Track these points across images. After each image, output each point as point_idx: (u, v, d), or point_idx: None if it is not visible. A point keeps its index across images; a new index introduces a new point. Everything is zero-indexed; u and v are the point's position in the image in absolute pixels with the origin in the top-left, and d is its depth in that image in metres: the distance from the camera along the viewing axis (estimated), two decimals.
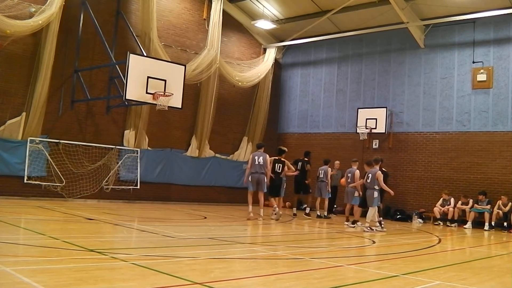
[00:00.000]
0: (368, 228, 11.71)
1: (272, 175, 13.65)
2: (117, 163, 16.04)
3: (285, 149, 14.58)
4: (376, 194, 11.90)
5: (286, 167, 14.17)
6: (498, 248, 11.09)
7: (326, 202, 15.52)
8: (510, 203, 14.94)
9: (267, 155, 13.24)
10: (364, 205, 12.60)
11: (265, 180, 12.96)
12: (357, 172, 13.66)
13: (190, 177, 18.21)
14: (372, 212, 11.87)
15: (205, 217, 13.12)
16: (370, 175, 12.09)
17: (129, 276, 5.06)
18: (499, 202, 15.05)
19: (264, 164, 12.97)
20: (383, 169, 13.76)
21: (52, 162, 14.51)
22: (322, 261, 6.93)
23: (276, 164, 13.87)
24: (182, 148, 18.16)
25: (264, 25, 19.39)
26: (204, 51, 17.97)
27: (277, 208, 13.66)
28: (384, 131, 18.34)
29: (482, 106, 16.60)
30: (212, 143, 18.88)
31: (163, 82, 13.99)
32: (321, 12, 18.96)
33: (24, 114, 14.06)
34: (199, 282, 4.75)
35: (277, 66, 21.60)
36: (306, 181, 15.44)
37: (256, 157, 13.07)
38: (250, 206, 12.97)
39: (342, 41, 20.15)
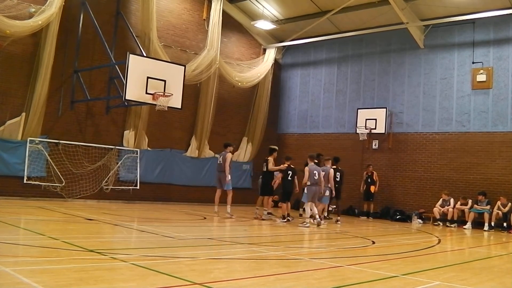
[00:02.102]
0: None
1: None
2: (117, 163, 16.04)
3: (274, 147, 14.30)
4: (306, 190, 12.34)
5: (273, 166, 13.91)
6: (498, 248, 11.10)
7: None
8: (509, 204, 14.94)
9: (228, 154, 13.52)
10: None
11: (225, 178, 13.32)
12: (332, 171, 13.53)
13: (190, 178, 18.20)
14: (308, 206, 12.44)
15: (205, 218, 13.12)
16: (315, 172, 12.44)
17: (129, 276, 5.06)
18: (499, 202, 15.05)
19: (222, 163, 13.44)
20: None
21: (51, 162, 14.51)
22: (321, 261, 6.93)
23: (263, 164, 13.93)
24: (182, 149, 18.16)
25: (263, 25, 19.39)
26: (204, 51, 17.97)
27: (265, 210, 13.86)
28: (383, 132, 18.34)
29: (481, 106, 16.61)
30: (212, 143, 18.87)
31: (163, 82, 13.99)
32: (320, 12, 18.96)
33: (23, 114, 14.06)
34: (199, 283, 4.75)
35: (277, 66, 21.61)
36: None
37: (218, 156, 13.87)
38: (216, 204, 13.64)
39: (342, 42, 20.16)
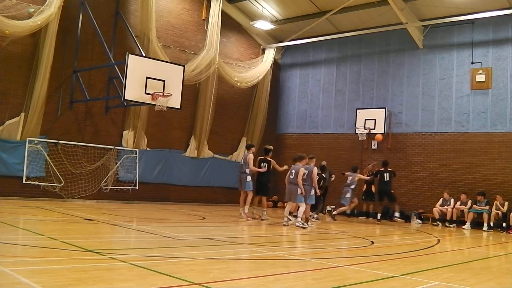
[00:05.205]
0: (300, 223, 11.93)
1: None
2: (116, 163, 16.03)
3: (270, 147, 14.16)
4: (299, 190, 12.01)
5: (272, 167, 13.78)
6: (497, 248, 11.10)
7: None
8: (506, 203, 14.94)
9: (250, 155, 13.31)
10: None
11: (246, 180, 13.11)
12: (315, 169, 13.24)
13: (189, 178, 18.20)
14: (302, 208, 12.07)
15: (204, 218, 13.11)
16: (293, 171, 12.24)
17: (128, 276, 5.06)
18: (496, 202, 15.03)
19: (244, 164, 13.25)
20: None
21: (50, 162, 14.50)
22: (321, 261, 6.93)
23: (262, 164, 13.75)
24: (181, 149, 18.15)
25: (263, 25, 19.39)
26: (203, 51, 17.97)
27: (264, 211, 13.67)
28: (383, 132, 18.35)
29: (480, 106, 16.62)
30: (211, 143, 18.88)
31: (162, 82, 13.99)
32: (320, 12, 18.97)
33: (23, 114, 14.05)
34: (198, 283, 4.74)
35: (276, 66, 21.61)
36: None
37: (242, 157, 13.77)
38: (241, 206, 13.40)
39: (341, 42, 20.17)
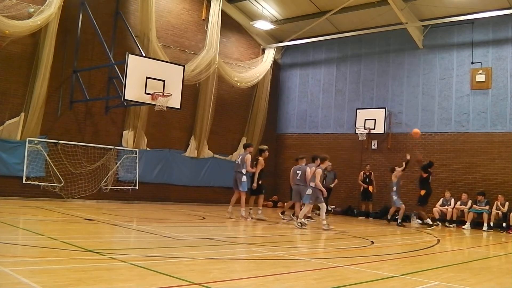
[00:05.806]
0: (299, 224, 11.82)
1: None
2: (116, 163, 16.03)
3: (262, 148, 13.97)
4: (310, 190, 11.76)
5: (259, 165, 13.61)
6: (497, 248, 11.10)
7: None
8: (507, 203, 14.94)
9: (248, 155, 13.19)
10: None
11: (242, 180, 12.92)
12: (308, 169, 13.21)
13: (189, 178, 18.20)
14: (307, 208, 11.90)
15: (204, 218, 13.11)
16: (299, 172, 12.27)
17: (128, 276, 5.06)
18: (497, 202, 15.04)
19: (241, 164, 13.12)
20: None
21: (50, 162, 14.51)
22: (321, 261, 6.93)
23: (253, 163, 13.66)
24: (181, 149, 18.16)
25: (263, 25, 19.39)
26: (203, 51, 17.97)
27: (259, 210, 13.63)
28: (383, 132, 18.36)
29: (480, 106, 16.63)
30: (211, 143, 18.88)
31: (162, 82, 14.00)
32: (320, 12, 18.97)
33: (22, 114, 14.05)
34: (198, 283, 4.74)
35: (276, 66, 21.61)
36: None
37: (238, 157, 13.65)
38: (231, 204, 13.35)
39: (341, 42, 20.17)
